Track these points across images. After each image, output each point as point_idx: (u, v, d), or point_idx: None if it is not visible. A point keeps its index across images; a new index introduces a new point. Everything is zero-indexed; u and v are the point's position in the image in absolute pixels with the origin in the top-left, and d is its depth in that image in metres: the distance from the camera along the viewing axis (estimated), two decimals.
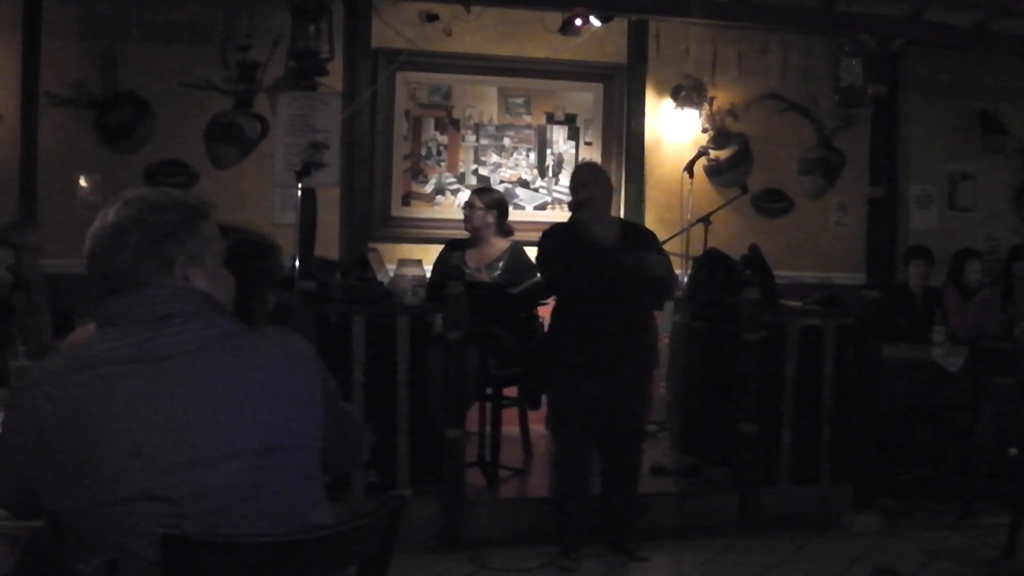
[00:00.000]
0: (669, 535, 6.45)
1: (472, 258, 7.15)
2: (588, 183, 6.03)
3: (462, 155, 9.03)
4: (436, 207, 8.96)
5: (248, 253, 2.98)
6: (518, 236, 7.40)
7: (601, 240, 5.86)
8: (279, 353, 2.29)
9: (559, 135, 9.17)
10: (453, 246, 7.30)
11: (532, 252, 7.19)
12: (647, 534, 6.24)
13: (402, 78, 8.84)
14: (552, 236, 6.08)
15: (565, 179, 8.96)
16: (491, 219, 7.17)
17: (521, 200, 8.97)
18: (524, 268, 6.97)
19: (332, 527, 2.25)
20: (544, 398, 7.33)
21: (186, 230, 2.28)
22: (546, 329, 6.29)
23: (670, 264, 6.06)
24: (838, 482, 6.81)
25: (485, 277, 6.96)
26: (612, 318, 5.81)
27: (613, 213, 6.47)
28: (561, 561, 5.87)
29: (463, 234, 7.42)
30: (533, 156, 9.11)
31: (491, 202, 7.23)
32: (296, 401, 2.28)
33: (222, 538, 2.09)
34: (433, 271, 7.09)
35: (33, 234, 6.79)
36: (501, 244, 7.19)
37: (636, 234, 6.16)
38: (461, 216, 7.46)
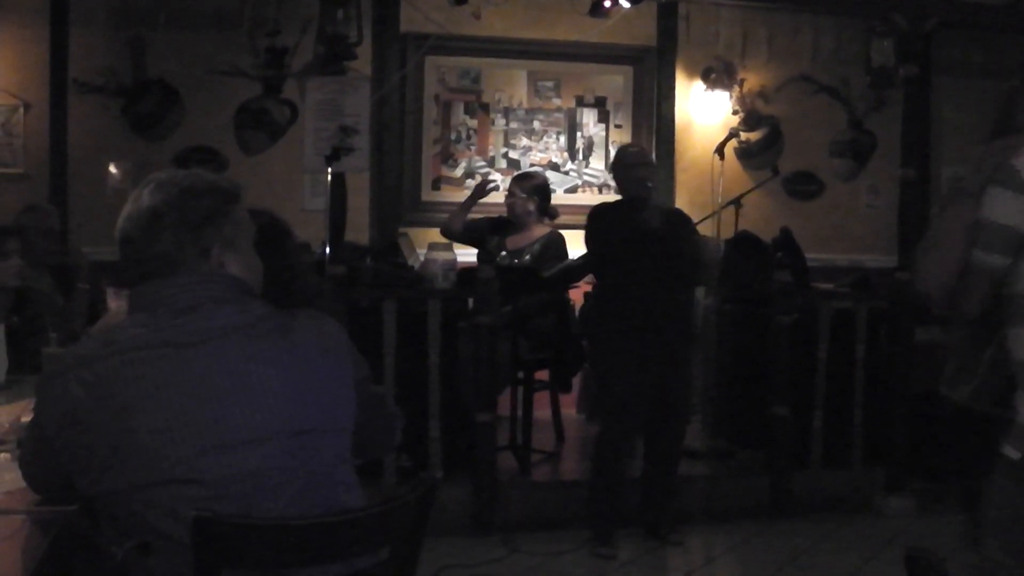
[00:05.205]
0: (701, 518, 6.45)
1: (511, 243, 7.12)
2: (653, 166, 6.04)
3: (492, 139, 9.01)
4: (466, 191, 8.88)
5: (278, 234, 2.97)
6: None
7: (657, 225, 5.81)
8: (311, 337, 2.29)
9: (589, 118, 9.13)
10: (494, 227, 7.25)
11: (568, 235, 7.17)
12: (679, 517, 6.22)
13: (431, 62, 8.82)
14: (605, 216, 6.02)
15: (595, 162, 8.94)
16: (532, 206, 7.09)
17: (552, 183, 8.90)
18: (556, 256, 6.92)
19: (364, 509, 2.25)
20: (576, 381, 7.35)
21: (222, 215, 2.29)
22: (586, 311, 6.24)
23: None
24: (870, 465, 6.79)
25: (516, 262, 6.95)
26: (664, 303, 5.81)
27: None
28: (599, 548, 5.84)
29: (501, 212, 7.37)
30: (563, 139, 9.08)
31: (531, 188, 7.15)
32: (328, 385, 2.28)
33: (254, 520, 2.09)
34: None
35: (42, 218, 6.37)
36: (540, 231, 7.13)
37: (679, 219, 6.14)
38: (491, 200, 7.43)
